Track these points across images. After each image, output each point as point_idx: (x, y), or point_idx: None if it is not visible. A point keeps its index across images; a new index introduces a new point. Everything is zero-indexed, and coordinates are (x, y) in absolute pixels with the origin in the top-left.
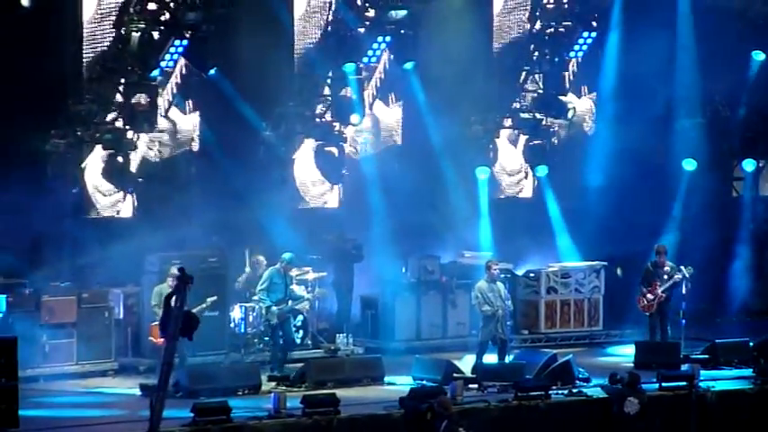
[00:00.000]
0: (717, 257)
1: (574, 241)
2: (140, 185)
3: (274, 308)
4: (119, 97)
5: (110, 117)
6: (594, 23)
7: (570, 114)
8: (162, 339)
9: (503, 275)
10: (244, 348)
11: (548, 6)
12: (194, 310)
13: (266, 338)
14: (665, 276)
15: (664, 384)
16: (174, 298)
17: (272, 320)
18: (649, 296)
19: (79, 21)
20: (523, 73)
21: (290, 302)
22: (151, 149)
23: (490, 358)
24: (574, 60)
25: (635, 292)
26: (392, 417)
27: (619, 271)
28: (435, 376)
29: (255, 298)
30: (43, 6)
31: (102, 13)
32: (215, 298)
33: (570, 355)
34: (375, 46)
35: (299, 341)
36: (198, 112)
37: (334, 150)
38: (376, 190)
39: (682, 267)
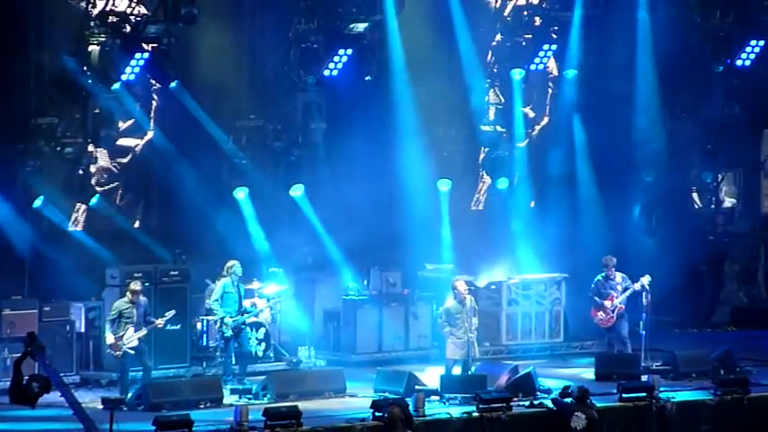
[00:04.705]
0: (677, 269)
1: (533, 253)
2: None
3: (228, 319)
4: (80, 111)
5: (70, 130)
6: (555, 36)
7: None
8: (119, 352)
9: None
10: (205, 361)
11: (507, 19)
12: (148, 328)
13: (221, 351)
14: (619, 288)
15: (624, 396)
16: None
17: (226, 332)
18: (608, 305)
19: (42, 34)
20: (485, 85)
21: (245, 314)
22: (111, 161)
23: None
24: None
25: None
26: (354, 429)
27: None
28: (397, 388)
29: (212, 310)
30: (4, 18)
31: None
32: (173, 312)
33: (531, 366)
34: (336, 59)
35: (261, 354)
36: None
37: None
38: (337, 201)
39: (641, 279)
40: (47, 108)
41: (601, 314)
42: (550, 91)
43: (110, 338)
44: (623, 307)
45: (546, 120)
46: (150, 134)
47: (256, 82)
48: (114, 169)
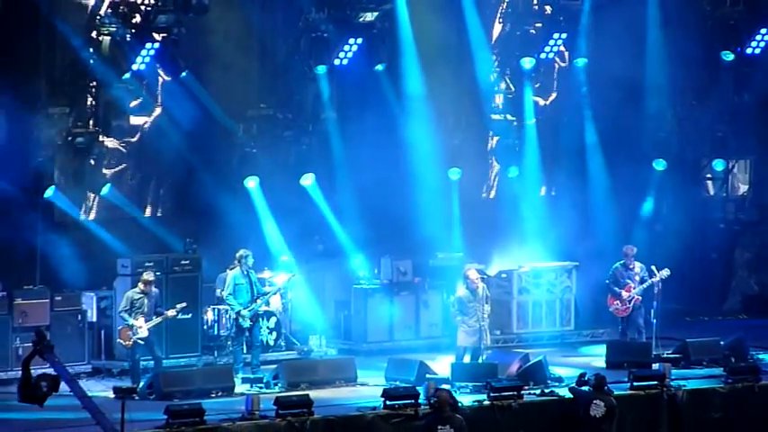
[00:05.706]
0: (688, 258)
1: (544, 241)
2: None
3: (245, 311)
4: (91, 100)
5: (81, 120)
6: (564, 24)
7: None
8: (129, 342)
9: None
10: (217, 350)
11: (518, 7)
12: (160, 318)
13: (233, 340)
14: (637, 278)
15: (635, 384)
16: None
17: (244, 324)
18: (624, 295)
19: (52, 24)
20: (494, 74)
21: (258, 301)
22: (119, 141)
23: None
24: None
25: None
26: (365, 417)
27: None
28: (408, 377)
29: (227, 303)
30: (15, 8)
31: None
32: (184, 304)
33: (542, 355)
34: (346, 48)
35: (272, 343)
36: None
37: None
38: (347, 190)
39: (653, 268)
40: (58, 98)
41: (617, 303)
42: (557, 66)
43: (139, 321)
44: (640, 299)
45: (554, 95)
46: (158, 110)
47: (267, 71)
48: (122, 149)
